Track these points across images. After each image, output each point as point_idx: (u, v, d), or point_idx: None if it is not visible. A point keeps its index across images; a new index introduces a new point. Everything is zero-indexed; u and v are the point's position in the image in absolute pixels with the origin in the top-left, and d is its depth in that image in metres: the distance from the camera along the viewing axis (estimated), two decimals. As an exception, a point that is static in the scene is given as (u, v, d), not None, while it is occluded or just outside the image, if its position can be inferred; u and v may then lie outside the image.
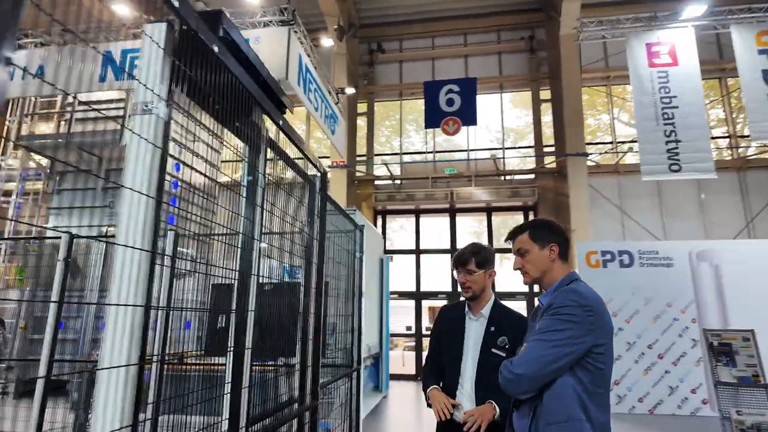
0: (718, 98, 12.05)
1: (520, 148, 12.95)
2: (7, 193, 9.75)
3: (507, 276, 9.74)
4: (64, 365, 4.40)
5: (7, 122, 10.40)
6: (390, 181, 12.82)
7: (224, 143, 1.58)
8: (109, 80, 8.19)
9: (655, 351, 7.57)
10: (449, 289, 11.82)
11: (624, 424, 6.36)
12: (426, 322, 11.86)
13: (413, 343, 11.99)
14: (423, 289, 12.08)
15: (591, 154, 11.73)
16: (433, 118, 11.04)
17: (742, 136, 11.77)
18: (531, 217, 12.23)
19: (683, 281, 7.80)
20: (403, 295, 11.92)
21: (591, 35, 10.72)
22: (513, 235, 2.04)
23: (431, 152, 13.07)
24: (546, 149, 12.42)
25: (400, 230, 13.17)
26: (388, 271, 9.32)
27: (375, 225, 12.13)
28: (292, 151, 2.23)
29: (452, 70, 13.01)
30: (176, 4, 1.12)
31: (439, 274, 12.02)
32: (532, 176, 12.23)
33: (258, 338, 1.89)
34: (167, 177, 1.25)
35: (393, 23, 13.57)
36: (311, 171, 2.38)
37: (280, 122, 1.80)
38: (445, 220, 12.51)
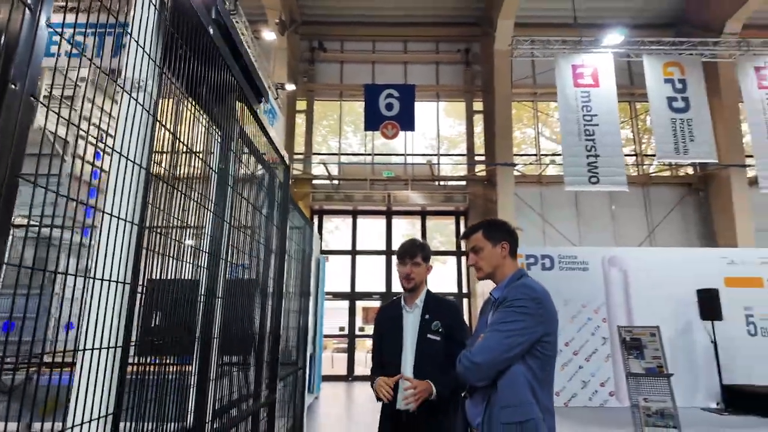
0: (627, 119, 13.35)
1: (453, 155, 13.46)
2: None
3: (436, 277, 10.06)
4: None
5: None
6: (328, 181, 12.75)
7: (208, 127, 1.53)
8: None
9: (571, 348, 8.20)
10: (383, 289, 11.99)
11: (544, 416, 6.82)
12: (359, 323, 11.92)
13: (344, 345, 12.00)
14: (358, 289, 12.13)
15: (518, 164, 12.47)
16: (373, 121, 11.17)
17: (647, 155, 13.15)
18: (462, 222, 12.76)
19: (596, 284, 8.53)
20: (338, 295, 11.89)
21: (523, 53, 11.44)
22: (468, 234, 2.15)
23: (370, 154, 13.20)
24: (477, 158, 13.03)
25: (335, 231, 13.13)
26: (325, 272, 9.27)
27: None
28: (257, 143, 2.19)
29: (392, 76, 13.25)
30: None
31: (374, 275, 12.15)
32: (464, 183, 12.77)
33: (221, 334, 1.85)
34: (89, 167, 1.19)
35: (335, 23, 13.55)
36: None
37: (256, 110, 1.77)
38: (381, 222, 12.68)
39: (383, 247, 12.41)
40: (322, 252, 11.42)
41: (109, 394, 0.99)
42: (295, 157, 12.79)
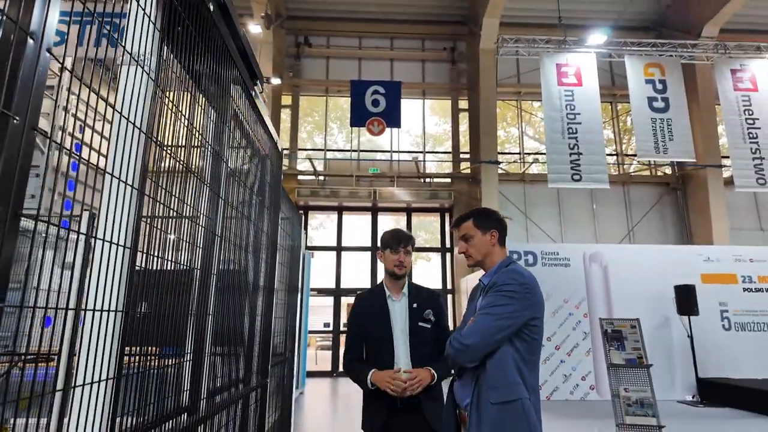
0: (609, 120, 13.61)
1: (438, 152, 13.54)
2: None
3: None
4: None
5: None
6: (313, 177, 12.71)
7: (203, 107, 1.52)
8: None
9: (553, 343, 8.33)
10: (368, 285, 12.00)
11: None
12: (344, 319, 11.91)
13: (328, 343, 11.98)
14: (343, 285, 12.12)
15: (502, 162, 12.61)
16: (359, 117, 11.16)
17: (628, 155, 13.43)
18: (447, 219, 12.85)
19: (578, 280, 8.69)
20: (322, 291, 11.87)
21: (508, 51, 11.57)
22: (459, 223, 2.19)
23: (355, 150, 13.19)
24: (462, 155, 13.13)
25: (319, 227, 13.10)
26: (310, 267, 9.24)
27: (295, 220, 11.92)
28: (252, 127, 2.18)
29: (378, 72, 13.26)
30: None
31: (359, 272, 12.16)
32: (449, 180, 12.86)
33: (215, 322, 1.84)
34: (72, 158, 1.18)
35: (321, 18, 13.50)
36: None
37: (252, 92, 1.77)
38: (366, 218, 12.69)
39: (368, 243, 12.42)
40: (307, 248, 11.38)
41: (110, 357, 0.99)
42: (280, 152, 12.69)
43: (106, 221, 1.04)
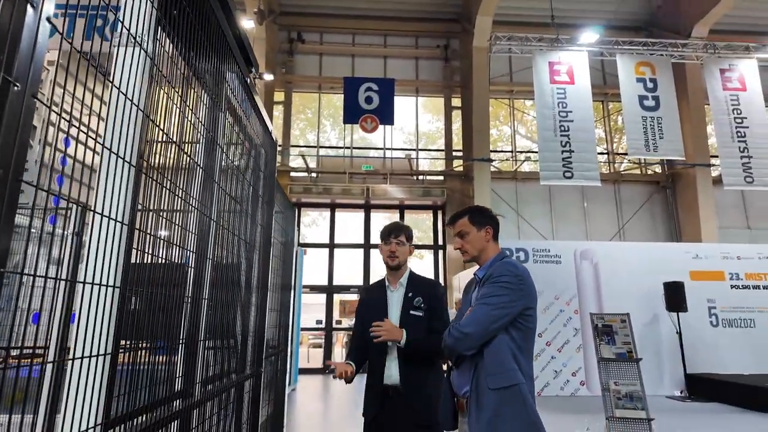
0: (600, 118, 13.73)
1: (431, 150, 13.57)
2: None
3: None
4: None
5: None
6: (306, 174, 12.68)
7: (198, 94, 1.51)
8: None
9: (544, 339, 8.39)
10: (361, 283, 12.00)
11: (518, 404, 6.98)
12: (336, 316, 11.91)
13: (320, 341, 11.97)
14: (335, 282, 12.11)
15: (494, 160, 12.67)
16: (352, 114, 11.17)
17: (618, 154, 13.56)
18: (440, 216, 12.89)
19: (569, 276, 8.76)
20: (315, 288, 11.85)
21: (501, 49, 11.62)
22: (454, 220, 2.27)
23: (349, 147, 13.18)
24: (455, 153, 13.17)
25: (312, 224, 13.08)
26: (302, 264, 9.23)
27: (288, 217, 11.89)
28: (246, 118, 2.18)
29: (372, 69, 13.25)
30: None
31: (352, 269, 12.16)
32: (442, 178, 12.90)
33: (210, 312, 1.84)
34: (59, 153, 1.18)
35: (314, 14, 13.46)
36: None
37: (247, 80, 1.76)
38: (359, 215, 12.69)
39: (361, 241, 12.42)
40: (300, 245, 11.36)
41: (108, 334, 0.99)
42: (273, 148, 12.65)
43: (104, 198, 1.04)
